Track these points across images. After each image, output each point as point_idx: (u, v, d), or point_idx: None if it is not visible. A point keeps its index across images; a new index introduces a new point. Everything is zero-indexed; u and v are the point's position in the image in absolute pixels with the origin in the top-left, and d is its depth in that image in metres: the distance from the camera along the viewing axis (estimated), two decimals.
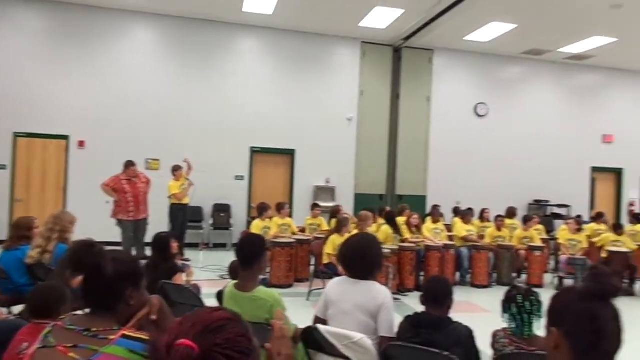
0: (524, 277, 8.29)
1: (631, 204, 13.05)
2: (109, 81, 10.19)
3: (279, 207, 8.39)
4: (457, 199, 11.51)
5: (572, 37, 10.64)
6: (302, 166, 11.29)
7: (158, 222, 8.10)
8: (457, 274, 8.05)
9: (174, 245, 4.44)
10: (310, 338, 2.74)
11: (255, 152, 11.03)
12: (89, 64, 10.11)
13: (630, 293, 7.67)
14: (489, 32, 10.45)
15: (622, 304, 1.29)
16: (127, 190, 7.76)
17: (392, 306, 2.82)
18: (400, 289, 7.13)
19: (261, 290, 2.84)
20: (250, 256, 2.86)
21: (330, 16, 10.03)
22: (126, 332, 1.48)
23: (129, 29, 10.43)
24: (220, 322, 1.04)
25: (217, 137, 10.66)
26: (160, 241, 4.28)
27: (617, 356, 1.29)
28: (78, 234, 3.35)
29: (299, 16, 10.18)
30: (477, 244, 8.04)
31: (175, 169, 8.92)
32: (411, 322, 2.77)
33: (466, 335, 2.69)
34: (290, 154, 11.28)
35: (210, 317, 1.05)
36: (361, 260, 2.88)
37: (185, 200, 8.92)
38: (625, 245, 8.01)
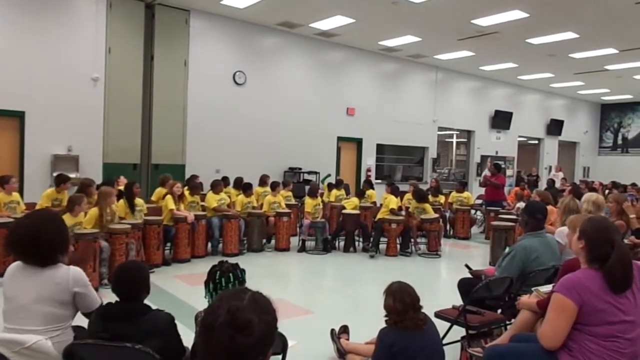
0: (273, 242, 8.66)
1: (368, 170, 14.92)
2: None
3: (3, 181, 7.04)
4: (217, 168, 11.43)
5: (318, 14, 11.30)
6: (36, 132, 9.63)
7: None
8: (209, 244, 7.97)
9: None
10: None
11: None
12: None
13: (366, 249, 8.63)
14: None
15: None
16: None
17: (85, 282, 2.57)
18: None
19: None
20: None
21: None
22: None
23: None
24: None
25: None
26: None
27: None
28: None
29: None
30: (227, 213, 8.03)
31: None
32: (100, 315, 2.43)
33: (166, 323, 2.47)
34: (18, 116, 9.49)
35: None
36: (35, 244, 2.44)
37: None
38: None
